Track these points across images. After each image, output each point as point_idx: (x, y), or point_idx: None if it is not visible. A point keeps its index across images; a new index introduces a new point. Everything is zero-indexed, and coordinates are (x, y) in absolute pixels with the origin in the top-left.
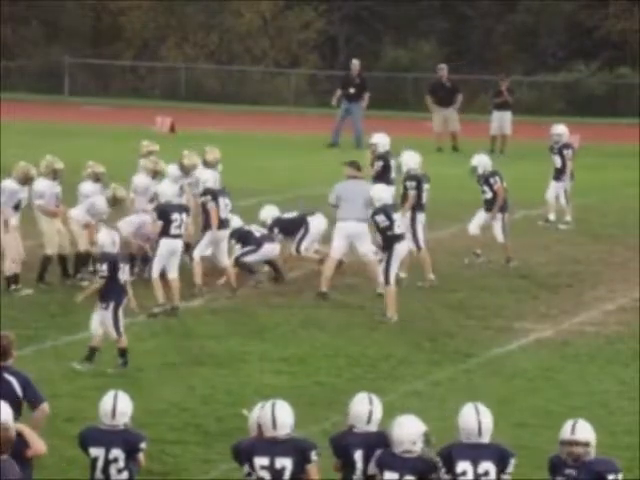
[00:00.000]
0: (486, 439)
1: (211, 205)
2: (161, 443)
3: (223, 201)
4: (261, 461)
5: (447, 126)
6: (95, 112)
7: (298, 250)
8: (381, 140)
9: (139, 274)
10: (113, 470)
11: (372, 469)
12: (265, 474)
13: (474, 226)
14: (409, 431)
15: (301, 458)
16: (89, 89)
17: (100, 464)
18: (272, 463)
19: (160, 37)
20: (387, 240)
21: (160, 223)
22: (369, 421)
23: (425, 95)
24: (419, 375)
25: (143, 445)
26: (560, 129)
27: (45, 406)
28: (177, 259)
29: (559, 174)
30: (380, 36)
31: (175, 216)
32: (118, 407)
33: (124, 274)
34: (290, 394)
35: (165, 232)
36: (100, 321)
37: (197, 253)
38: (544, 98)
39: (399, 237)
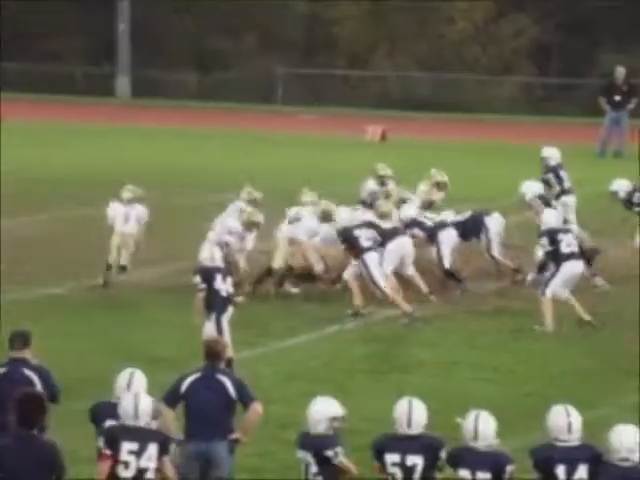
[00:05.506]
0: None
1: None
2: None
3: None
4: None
5: None
6: (307, 121)
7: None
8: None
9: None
10: (310, 474)
11: None
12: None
13: None
14: (626, 439)
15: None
16: (301, 98)
17: (303, 467)
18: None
19: (371, 46)
20: (555, 257)
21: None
22: (570, 430)
23: None
24: (634, 388)
25: (329, 452)
26: None
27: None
28: None
29: None
30: (595, 43)
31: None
32: (311, 413)
33: (223, 285)
34: (499, 404)
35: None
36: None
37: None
38: None
39: (569, 256)
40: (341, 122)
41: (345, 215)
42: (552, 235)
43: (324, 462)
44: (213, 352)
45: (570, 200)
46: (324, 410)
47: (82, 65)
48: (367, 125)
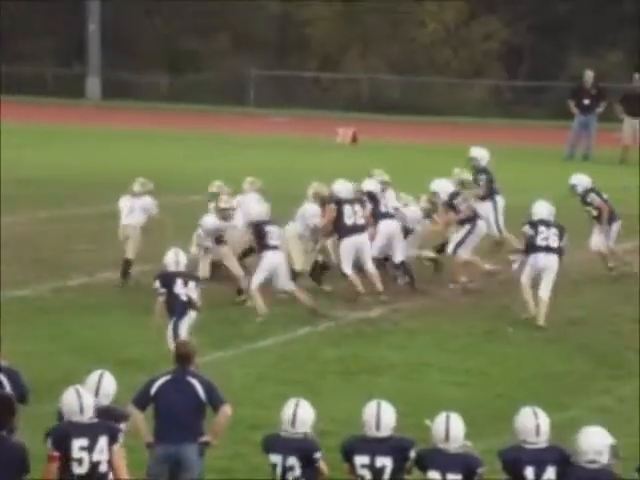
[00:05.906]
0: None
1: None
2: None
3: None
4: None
5: (636, 137)
6: (279, 123)
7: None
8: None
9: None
10: (290, 477)
11: None
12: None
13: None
14: (594, 441)
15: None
16: (273, 100)
17: (279, 470)
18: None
19: (343, 47)
20: (531, 246)
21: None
22: (538, 433)
23: (615, 104)
24: (604, 390)
25: (318, 455)
26: None
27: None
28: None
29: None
30: (565, 46)
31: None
32: (299, 415)
33: (182, 289)
34: (470, 406)
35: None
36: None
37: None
38: None
39: (540, 248)
40: (312, 124)
41: (257, 209)
42: (533, 225)
43: (309, 464)
44: (183, 354)
45: (501, 201)
46: (313, 412)
47: (52, 66)
48: (338, 127)
